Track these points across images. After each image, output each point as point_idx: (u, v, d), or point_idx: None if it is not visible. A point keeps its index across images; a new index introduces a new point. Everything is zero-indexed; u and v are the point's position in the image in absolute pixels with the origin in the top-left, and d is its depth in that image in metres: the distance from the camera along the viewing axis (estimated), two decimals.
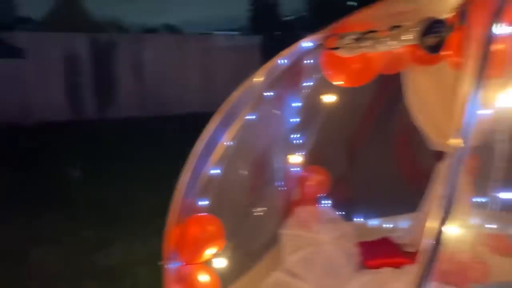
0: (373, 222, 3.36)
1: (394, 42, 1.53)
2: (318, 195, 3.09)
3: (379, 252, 2.90)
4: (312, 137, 2.79)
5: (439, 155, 2.51)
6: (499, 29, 1.17)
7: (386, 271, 2.69)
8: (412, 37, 1.42)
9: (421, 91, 2.49)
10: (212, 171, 2.20)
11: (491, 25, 1.18)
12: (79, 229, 4.95)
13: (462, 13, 1.32)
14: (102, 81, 14.22)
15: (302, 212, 3.00)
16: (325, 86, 2.40)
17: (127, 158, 8.19)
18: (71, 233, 4.83)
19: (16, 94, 12.78)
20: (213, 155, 2.21)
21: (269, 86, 2.19)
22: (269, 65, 2.19)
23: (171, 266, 2.19)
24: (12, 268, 4.04)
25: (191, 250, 2.15)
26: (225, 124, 2.20)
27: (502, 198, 1.46)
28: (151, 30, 23.50)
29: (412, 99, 2.58)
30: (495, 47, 1.17)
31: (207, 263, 2.22)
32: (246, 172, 2.44)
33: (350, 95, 2.55)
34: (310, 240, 2.89)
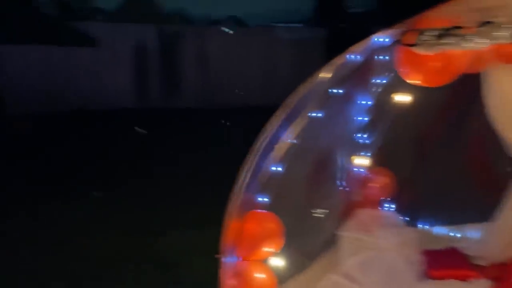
0: (439, 230, 3.17)
1: (484, 40, 1.38)
2: (381, 198, 2.95)
3: (445, 262, 2.72)
4: (380, 137, 2.65)
5: None
6: None
7: (452, 283, 2.53)
8: (508, 35, 1.27)
9: (505, 91, 2.28)
10: (273, 168, 2.15)
11: None
12: (138, 213, 5.12)
13: None
14: (168, 72, 14.67)
15: (363, 214, 2.88)
16: (397, 84, 2.26)
17: (187, 146, 8.38)
18: (130, 218, 5.01)
19: (87, 81, 13.54)
20: (275, 151, 2.16)
21: (336, 82, 2.09)
22: (337, 60, 2.08)
23: (228, 260, 2.17)
24: (74, 249, 4.26)
25: (248, 246, 2.13)
26: (289, 120, 2.14)
27: None
28: (215, 22, 23.85)
29: (493, 100, 2.36)
30: None
31: (264, 261, 2.18)
32: (307, 171, 2.37)
33: (423, 94, 2.39)
34: (370, 244, 2.77)
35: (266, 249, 2.16)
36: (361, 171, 2.81)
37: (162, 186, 6.09)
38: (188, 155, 7.66)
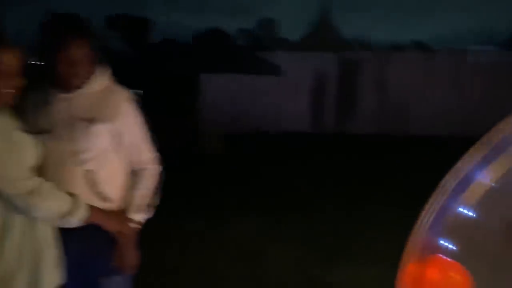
0: None
1: None
2: None
3: None
4: None
5: None
6: None
7: None
8: None
9: None
10: (464, 212, 1.89)
11: None
12: (312, 238, 5.16)
13: None
14: (345, 97, 14.77)
15: None
16: None
17: (361, 175, 8.18)
18: (305, 240, 5.07)
19: (270, 106, 14.61)
20: (468, 192, 1.89)
21: None
22: None
23: None
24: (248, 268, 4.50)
25: None
26: (488, 158, 1.86)
27: None
28: (399, 47, 23.17)
29: None
30: None
31: None
32: (507, 220, 2.01)
33: None
34: None
35: None
36: None
37: (335, 216, 6.05)
38: (361, 184, 7.47)
